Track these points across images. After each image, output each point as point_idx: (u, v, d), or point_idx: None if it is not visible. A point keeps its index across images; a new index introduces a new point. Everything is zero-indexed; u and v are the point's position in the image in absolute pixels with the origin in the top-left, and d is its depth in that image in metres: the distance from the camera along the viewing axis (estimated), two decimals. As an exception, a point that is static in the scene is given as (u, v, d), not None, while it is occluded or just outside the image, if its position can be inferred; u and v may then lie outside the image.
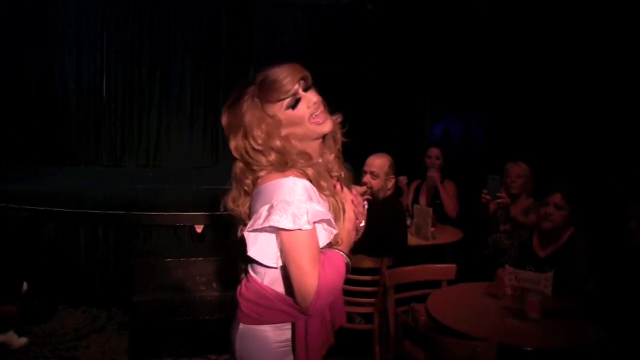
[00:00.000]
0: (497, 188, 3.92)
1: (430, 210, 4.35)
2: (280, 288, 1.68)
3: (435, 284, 3.24)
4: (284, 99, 1.68)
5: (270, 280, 1.68)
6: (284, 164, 1.63)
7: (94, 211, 5.19)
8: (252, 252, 1.63)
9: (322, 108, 1.71)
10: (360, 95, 7.80)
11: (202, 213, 5.15)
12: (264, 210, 1.57)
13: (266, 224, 1.54)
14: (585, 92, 4.43)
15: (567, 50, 4.66)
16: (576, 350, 2.40)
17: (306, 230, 1.53)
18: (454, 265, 3.31)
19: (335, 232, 1.65)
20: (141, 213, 5.21)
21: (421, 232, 4.31)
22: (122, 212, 5.17)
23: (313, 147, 1.72)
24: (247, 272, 1.76)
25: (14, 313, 3.99)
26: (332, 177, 1.75)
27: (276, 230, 1.57)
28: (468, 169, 5.57)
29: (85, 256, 5.09)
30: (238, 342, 1.73)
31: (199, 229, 5.04)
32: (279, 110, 1.68)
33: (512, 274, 2.83)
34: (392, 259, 3.44)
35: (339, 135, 1.79)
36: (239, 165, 1.74)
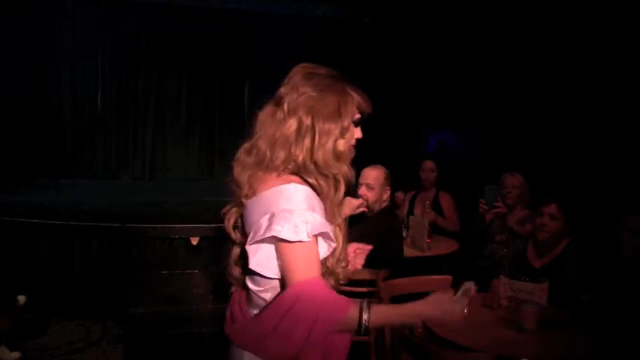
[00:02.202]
0: (494, 198, 3.92)
1: (426, 221, 4.35)
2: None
3: (431, 295, 3.24)
4: (356, 117, 1.64)
5: (273, 293, 1.56)
6: (302, 170, 1.55)
7: (89, 223, 5.17)
8: (252, 263, 1.52)
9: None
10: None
11: (198, 225, 5.15)
12: (264, 220, 1.49)
13: (267, 234, 1.46)
14: (580, 103, 4.46)
15: (559, 62, 4.69)
16: (572, 361, 2.41)
17: (307, 242, 1.46)
18: (449, 276, 3.31)
19: (334, 245, 1.57)
20: (136, 225, 5.19)
21: (416, 243, 4.30)
22: (117, 224, 5.16)
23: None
24: (247, 289, 1.64)
25: (5, 326, 3.95)
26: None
27: (276, 241, 1.48)
28: (463, 179, 5.58)
29: (79, 268, 5.07)
30: None
31: (194, 240, 5.03)
32: (346, 119, 1.60)
33: (507, 285, 2.83)
34: (388, 270, 3.44)
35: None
36: (241, 162, 1.63)
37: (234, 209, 1.66)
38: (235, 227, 1.69)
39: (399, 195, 4.99)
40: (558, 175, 4.53)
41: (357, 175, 3.76)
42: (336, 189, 1.59)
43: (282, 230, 1.44)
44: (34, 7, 7.63)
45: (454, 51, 6.37)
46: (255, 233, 1.50)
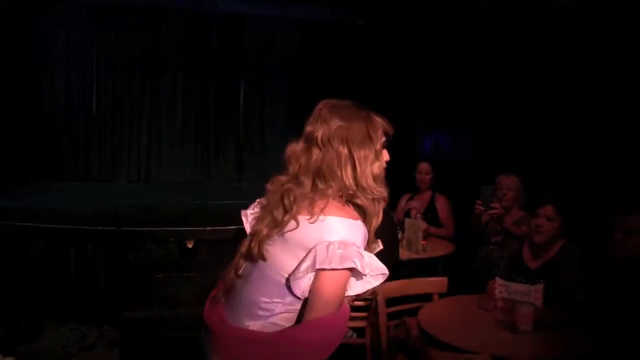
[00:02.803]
0: (490, 199, 3.92)
1: (422, 223, 4.36)
2: (287, 321, 1.64)
3: (427, 297, 3.24)
4: (383, 139, 1.72)
5: (279, 315, 1.64)
6: (353, 196, 1.63)
7: (84, 227, 5.15)
8: (304, 286, 1.58)
9: None
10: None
11: (193, 228, 5.14)
12: (334, 247, 1.53)
13: (345, 265, 1.52)
14: (575, 104, 4.47)
15: (553, 62, 4.71)
16: (567, 362, 2.41)
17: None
18: (445, 278, 3.32)
19: (375, 285, 1.68)
20: (132, 228, 5.18)
21: (412, 245, 4.31)
22: (112, 228, 5.14)
23: None
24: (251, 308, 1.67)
25: (-1, 331, 3.94)
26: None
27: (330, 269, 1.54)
28: (458, 181, 5.59)
29: (74, 272, 5.05)
30: None
31: (190, 244, 5.03)
32: (377, 142, 1.69)
33: (502, 286, 2.83)
34: (384, 272, 3.44)
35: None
36: (294, 188, 1.64)
37: (267, 227, 1.65)
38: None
39: (415, 204, 4.93)
40: (553, 176, 4.54)
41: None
42: (379, 210, 1.69)
43: (359, 263, 1.53)
44: (28, 9, 7.62)
45: (448, 52, 6.38)
46: (327, 258, 1.52)
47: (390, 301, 3.21)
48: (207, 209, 6.56)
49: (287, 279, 1.59)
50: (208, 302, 1.84)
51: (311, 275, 1.56)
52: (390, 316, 3.24)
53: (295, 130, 1.76)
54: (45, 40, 7.87)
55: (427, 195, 5.07)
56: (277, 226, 1.62)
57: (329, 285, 1.55)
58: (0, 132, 7.32)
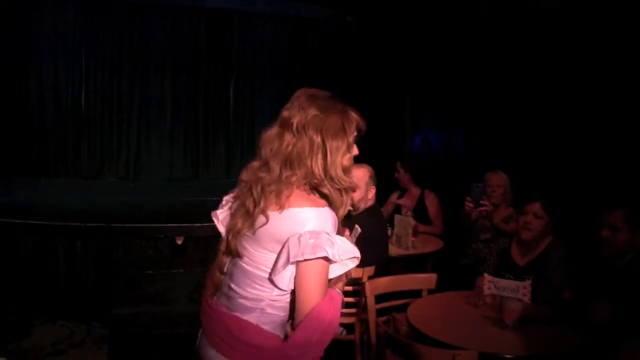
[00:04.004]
0: (480, 196, 3.94)
1: (411, 219, 4.37)
2: (281, 310, 1.70)
3: (416, 293, 3.26)
4: (354, 135, 1.74)
5: (271, 305, 1.68)
6: (319, 184, 1.67)
7: (73, 223, 5.13)
8: (287, 278, 1.63)
9: None
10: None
11: (182, 225, 5.13)
12: (305, 238, 1.57)
13: (319, 253, 1.56)
14: (564, 102, 4.50)
15: (542, 61, 4.74)
16: (554, 357, 2.43)
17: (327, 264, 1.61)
18: (434, 275, 3.33)
19: (352, 266, 1.71)
20: (121, 225, 5.17)
21: (401, 241, 4.32)
22: (101, 224, 5.12)
23: None
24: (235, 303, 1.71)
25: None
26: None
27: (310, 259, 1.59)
28: (448, 178, 5.61)
29: (63, 269, 5.03)
30: None
31: (179, 240, 5.02)
32: (350, 136, 1.72)
33: (490, 282, 2.85)
34: (373, 268, 3.45)
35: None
36: (257, 178, 1.69)
37: (241, 219, 1.69)
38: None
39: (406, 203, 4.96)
40: (541, 174, 4.57)
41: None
42: (345, 200, 1.73)
43: (330, 251, 1.57)
44: (15, 6, 7.55)
45: (437, 50, 6.40)
46: (301, 250, 1.56)
47: (380, 297, 3.22)
48: (196, 206, 6.55)
49: (270, 274, 1.64)
50: (202, 301, 1.86)
51: (292, 268, 1.61)
52: (380, 312, 3.25)
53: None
54: (33, 37, 7.81)
55: (417, 192, 5.10)
56: (250, 217, 1.66)
57: (308, 275, 1.60)
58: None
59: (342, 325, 3.61)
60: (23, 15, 7.66)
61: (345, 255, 1.63)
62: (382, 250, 3.75)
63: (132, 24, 8.25)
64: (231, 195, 1.84)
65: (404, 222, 4.37)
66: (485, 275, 2.94)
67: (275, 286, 1.65)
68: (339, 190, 1.70)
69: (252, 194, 1.66)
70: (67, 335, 4.52)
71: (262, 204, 1.64)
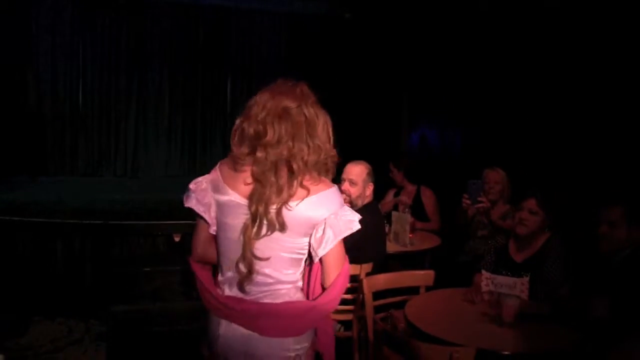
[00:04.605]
0: (477, 192, 3.94)
1: (408, 216, 4.38)
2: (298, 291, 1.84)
3: (414, 290, 3.26)
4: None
5: (299, 279, 1.84)
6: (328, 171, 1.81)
7: (71, 221, 5.13)
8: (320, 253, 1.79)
9: None
10: (337, 102, 7.82)
11: (180, 222, 5.12)
12: (338, 216, 1.77)
13: (347, 232, 1.78)
14: (561, 99, 4.50)
15: (539, 57, 4.74)
16: (551, 354, 2.44)
17: None
18: (431, 271, 3.33)
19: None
20: (118, 222, 5.16)
21: (399, 238, 4.32)
22: (99, 222, 5.12)
23: None
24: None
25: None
26: None
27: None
28: (445, 175, 5.62)
29: (61, 266, 5.03)
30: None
31: (177, 237, 5.02)
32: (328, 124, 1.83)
33: (488, 279, 2.86)
34: (371, 265, 3.45)
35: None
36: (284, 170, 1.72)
37: (274, 194, 1.71)
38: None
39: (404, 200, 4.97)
40: (539, 170, 4.57)
41: (340, 171, 3.78)
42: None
43: (357, 221, 1.81)
44: (14, 4, 7.54)
45: (435, 47, 6.40)
46: (340, 230, 1.76)
47: (377, 294, 3.22)
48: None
49: (311, 253, 1.80)
50: (214, 289, 1.88)
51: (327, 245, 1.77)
52: (377, 309, 3.26)
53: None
54: (30, 35, 7.81)
55: (412, 189, 5.10)
56: (281, 193, 1.70)
57: (340, 245, 1.81)
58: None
59: (339, 322, 3.62)
60: (21, 13, 7.65)
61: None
62: (380, 247, 3.75)
63: (130, 22, 8.25)
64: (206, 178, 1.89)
65: (402, 219, 4.37)
66: (483, 272, 2.95)
67: (301, 264, 1.82)
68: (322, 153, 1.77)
69: (286, 169, 1.71)
70: (65, 332, 4.52)
71: (294, 185, 1.71)
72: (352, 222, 1.78)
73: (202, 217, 1.88)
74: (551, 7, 4.50)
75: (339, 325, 3.64)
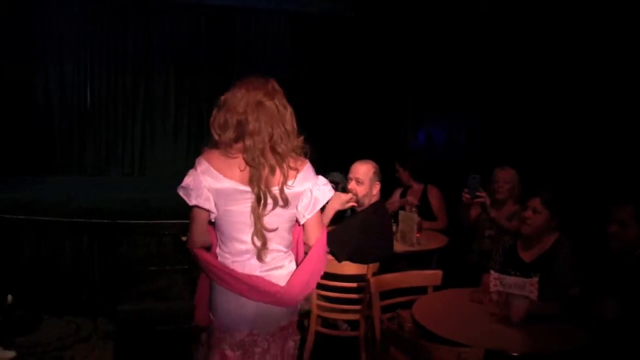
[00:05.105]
0: (476, 187, 3.90)
1: (415, 216, 4.36)
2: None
3: (421, 290, 3.24)
4: None
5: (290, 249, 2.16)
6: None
7: (79, 219, 5.15)
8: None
9: None
10: (342, 101, 7.83)
11: (187, 221, 5.12)
12: (323, 186, 2.12)
13: (329, 194, 2.14)
14: (570, 97, 4.47)
15: (547, 54, 4.71)
16: (561, 355, 2.42)
17: None
18: (439, 271, 3.31)
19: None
20: (126, 221, 5.17)
21: (406, 238, 4.31)
22: (107, 221, 5.13)
23: None
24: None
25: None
26: None
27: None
28: (451, 174, 5.59)
29: (70, 265, 5.05)
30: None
31: (184, 237, 5.02)
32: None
33: (497, 279, 2.83)
34: (378, 265, 3.44)
35: None
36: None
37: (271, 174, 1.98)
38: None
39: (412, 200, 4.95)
40: (546, 169, 4.54)
41: (347, 171, 3.77)
42: None
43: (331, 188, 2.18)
44: (21, 5, 7.58)
45: (439, 45, 6.37)
46: (323, 195, 2.11)
47: (384, 294, 3.21)
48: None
49: (292, 221, 2.11)
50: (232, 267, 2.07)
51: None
52: (384, 309, 3.25)
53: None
54: (39, 35, 7.85)
55: (419, 188, 5.08)
56: (275, 172, 1.97)
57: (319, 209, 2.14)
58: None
59: (346, 321, 3.61)
60: (28, 14, 7.70)
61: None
62: (387, 246, 3.74)
63: (136, 22, 8.28)
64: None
65: (409, 219, 4.35)
66: (491, 272, 2.92)
67: (291, 232, 2.14)
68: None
69: (273, 157, 1.96)
70: (73, 330, 4.54)
71: (283, 171, 1.97)
72: (328, 187, 2.15)
73: (204, 209, 2.03)
74: (559, 3, 4.47)
75: (346, 325, 3.63)
